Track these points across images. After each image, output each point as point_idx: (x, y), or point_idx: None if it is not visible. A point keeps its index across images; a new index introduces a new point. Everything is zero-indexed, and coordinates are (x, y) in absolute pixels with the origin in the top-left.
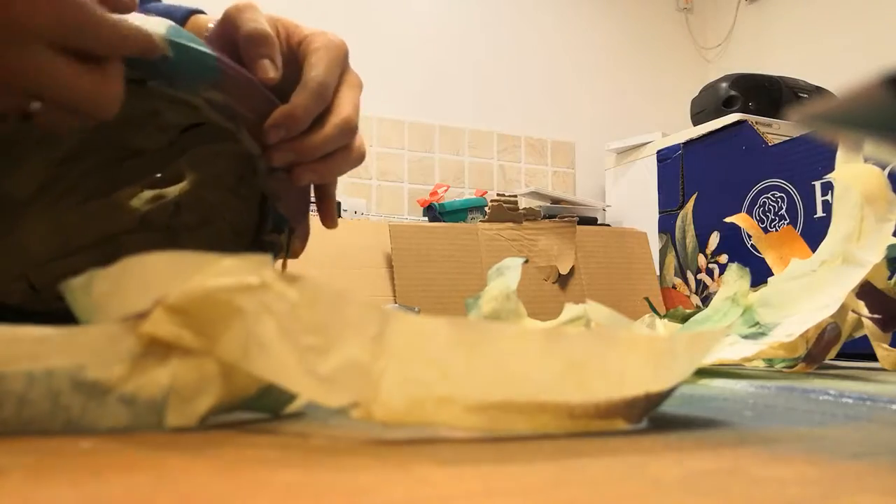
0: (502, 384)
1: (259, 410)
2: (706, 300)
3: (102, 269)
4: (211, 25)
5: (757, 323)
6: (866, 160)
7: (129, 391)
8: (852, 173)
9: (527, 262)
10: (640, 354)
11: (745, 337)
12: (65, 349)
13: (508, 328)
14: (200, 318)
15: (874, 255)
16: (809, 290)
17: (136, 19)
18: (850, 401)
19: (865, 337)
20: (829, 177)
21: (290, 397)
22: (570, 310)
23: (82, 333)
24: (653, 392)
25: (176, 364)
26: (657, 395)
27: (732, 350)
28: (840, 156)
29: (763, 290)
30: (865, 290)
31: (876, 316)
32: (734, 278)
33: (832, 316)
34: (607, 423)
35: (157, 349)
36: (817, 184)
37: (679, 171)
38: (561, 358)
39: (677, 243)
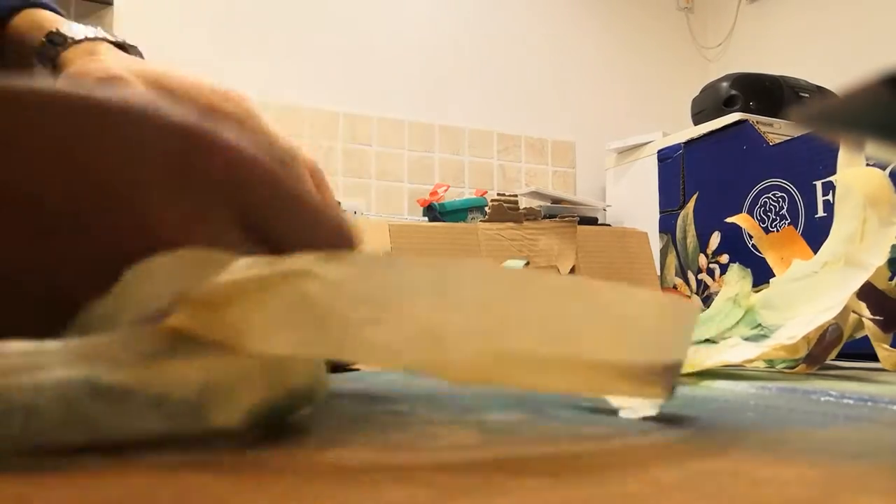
0: (562, 339)
1: (270, 418)
2: (707, 300)
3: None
4: (62, 32)
5: (759, 325)
6: (868, 161)
7: (155, 392)
8: (855, 176)
9: (528, 263)
10: (673, 320)
11: (747, 339)
12: (72, 358)
13: (569, 281)
14: (230, 310)
15: (877, 258)
16: (811, 292)
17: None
18: (852, 402)
19: (866, 337)
20: (832, 178)
21: (295, 406)
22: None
23: (89, 342)
24: (679, 361)
25: (208, 360)
26: (677, 364)
27: (735, 352)
28: (842, 156)
29: (765, 292)
30: (866, 292)
31: (878, 318)
32: (736, 279)
33: (834, 318)
34: (651, 390)
35: (183, 346)
36: (818, 183)
37: (680, 171)
38: (617, 316)
39: (678, 243)
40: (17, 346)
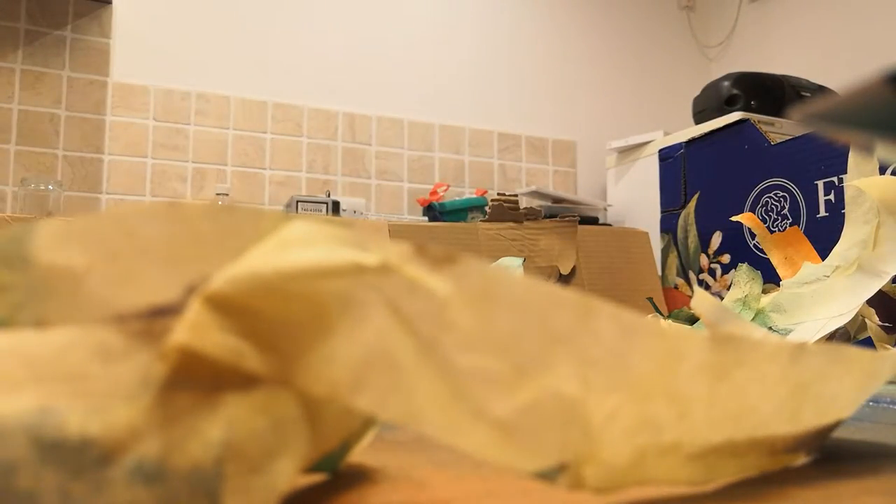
0: (730, 420)
1: (316, 470)
2: None
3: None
4: None
5: (770, 328)
6: (880, 163)
7: (152, 456)
8: (872, 183)
9: (524, 261)
10: (855, 375)
11: None
12: (13, 374)
13: (766, 344)
14: (270, 322)
15: (893, 267)
16: (822, 297)
17: None
18: None
19: (869, 338)
20: (846, 183)
21: (347, 449)
22: None
23: (39, 343)
24: (842, 419)
25: (233, 403)
26: (837, 423)
27: None
28: (853, 159)
29: (775, 295)
30: (876, 297)
31: (887, 325)
32: (745, 280)
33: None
34: (791, 458)
35: (198, 376)
36: (820, 183)
37: (681, 171)
38: (792, 381)
39: (679, 243)
40: None
